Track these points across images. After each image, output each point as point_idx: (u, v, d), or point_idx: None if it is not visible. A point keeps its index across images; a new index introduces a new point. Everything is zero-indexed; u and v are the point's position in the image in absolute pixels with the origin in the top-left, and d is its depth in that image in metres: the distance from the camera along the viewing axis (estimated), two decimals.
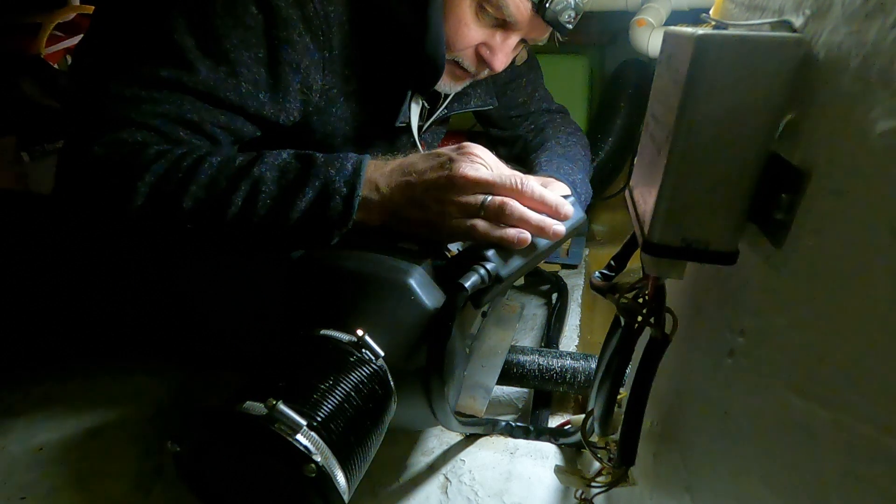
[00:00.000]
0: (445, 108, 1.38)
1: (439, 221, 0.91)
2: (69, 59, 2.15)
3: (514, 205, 0.90)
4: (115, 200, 0.89)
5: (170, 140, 0.93)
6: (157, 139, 0.93)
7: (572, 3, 1.12)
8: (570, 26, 1.15)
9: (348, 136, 1.21)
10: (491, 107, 1.49)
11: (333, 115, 1.16)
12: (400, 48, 1.13)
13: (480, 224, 0.90)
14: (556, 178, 1.26)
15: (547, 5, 1.11)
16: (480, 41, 1.15)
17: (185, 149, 0.92)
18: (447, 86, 1.25)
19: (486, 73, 1.24)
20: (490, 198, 0.91)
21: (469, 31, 1.13)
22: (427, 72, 1.15)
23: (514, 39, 1.17)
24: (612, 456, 0.76)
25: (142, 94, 0.92)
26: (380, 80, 1.18)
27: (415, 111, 1.27)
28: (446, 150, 0.94)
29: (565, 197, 1.01)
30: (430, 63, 1.12)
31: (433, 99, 1.34)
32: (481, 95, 1.45)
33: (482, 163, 0.92)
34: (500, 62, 1.18)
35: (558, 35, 1.22)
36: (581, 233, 1.16)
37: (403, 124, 1.24)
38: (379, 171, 0.93)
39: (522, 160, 1.48)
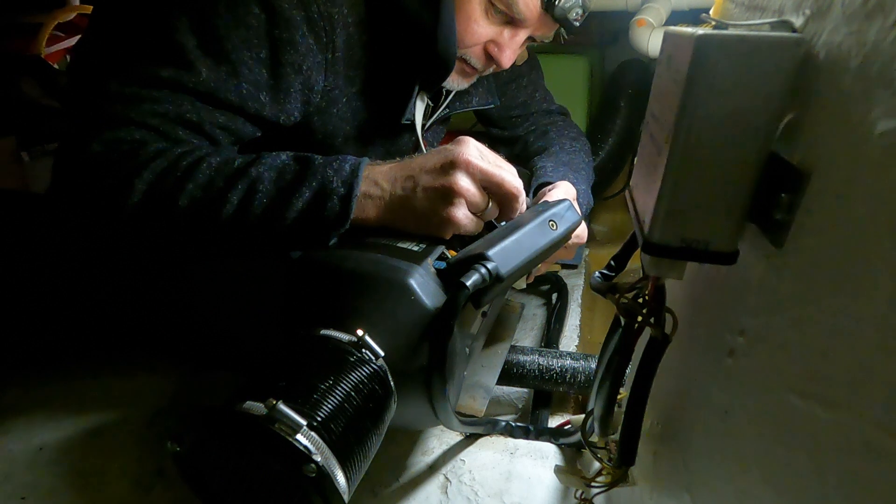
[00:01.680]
0: (447, 106, 1.38)
1: (443, 209, 0.91)
2: (69, 58, 2.14)
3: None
4: (112, 198, 0.89)
5: (169, 139, 0.93)
6: (156, 138, 0.92)
7: (580, 0, 1.13)
8: (578, 24, 1.16)
9: (349, 136, 1.21)
10: (492, 106, 1.49)
11: (334, 115, 1.16)
12: (410, 45, 1.13)
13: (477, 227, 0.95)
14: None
15: (556, 3, 1.13)
16: (489, 38, 1.16)
17: (184, 148, 0.92)
18: (454, 83, 1.25)
19: (491, 69, 1.25)
20: (492, 208, 0.95)
21: (478, 28, 1.13)
22: (437, 69, 1.15)
23: (521, 36, 1.18)
24: (612, 456, 0.76)
25: (141, 94, 0.91)
26: (386, 77, 1.18)
27: (419, 108, 1.27)
28: (443, 146, 0.95)
29: (561, 201, 1.03)
30: (441, 60, 1.13)
31: (435, 97, 1.35)
32: (483, 94, 1.45)
33: (479, 154, 0.93)
34: (508, 59, 1.19)
35: (563, 33, 1.24)
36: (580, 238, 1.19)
37: (409, 121, 1.24)
38: (378, 170, 0.93)
39: (522, 161, 1.49)
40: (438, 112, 1.37)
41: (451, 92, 1.34)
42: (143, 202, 0.88)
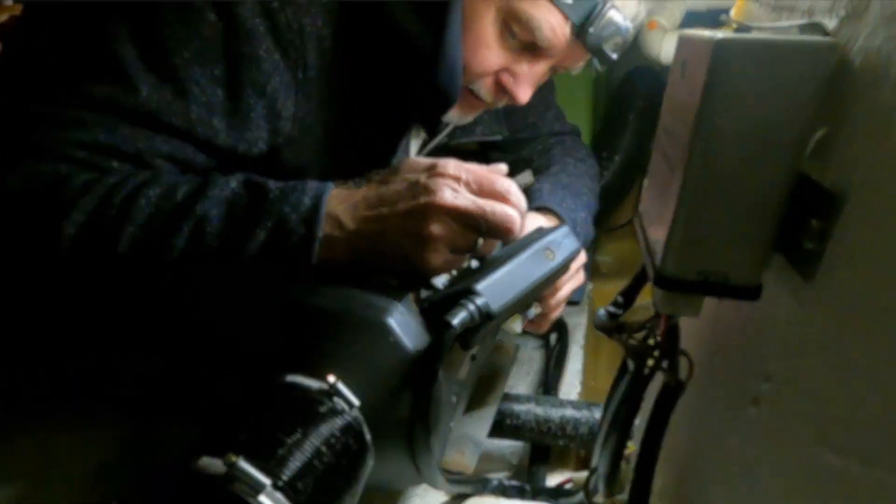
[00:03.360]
0: (446, 136, 1.32)
1: (418, 257, 0.86)
2: None
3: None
4: (41, 241, 0.85)
5: (100, 171, 0.89)
6: (84, 172, 0.88)
7: (623, 26, 1.04)
8: (616, 56, 1.08)
9: (326, 172, 1.05)
10: (499, 137, 1.44)
11: (307, 146, 1.09)
12: (402, 71, 1.06)
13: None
14: (555, 211, 1.26)
15: (591, 29, 1.02)
16: (502, 66, 1.08)
17: (115, 178, 0.87)
18: (456, 116, 1.18)
19: (503, 103, 1.17)
20: (483, 242, 0.88)
21: (490, 55, 1.06)
22: (436, 102, 1.08)
23: (542, 67, 1.10)
24: None
25: (68, 117, 0.87)
26: (372, 105, 1.11)
27: (414, 147, 1.22)
28: (415, 173, 0.88)
29: (558, 227, 1.02)
30: (440, 92, 1.05)
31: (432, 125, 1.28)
32: (488, 123, 1.40)
33: (457, 186, 0.87)
34: (525, 94, 1.12)
35: (597, 63, 1.14)
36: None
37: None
38: (343, 205, 0.88)
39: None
40: (434, 142, 1.32)
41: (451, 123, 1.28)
42: (77, 248, 0.84)
